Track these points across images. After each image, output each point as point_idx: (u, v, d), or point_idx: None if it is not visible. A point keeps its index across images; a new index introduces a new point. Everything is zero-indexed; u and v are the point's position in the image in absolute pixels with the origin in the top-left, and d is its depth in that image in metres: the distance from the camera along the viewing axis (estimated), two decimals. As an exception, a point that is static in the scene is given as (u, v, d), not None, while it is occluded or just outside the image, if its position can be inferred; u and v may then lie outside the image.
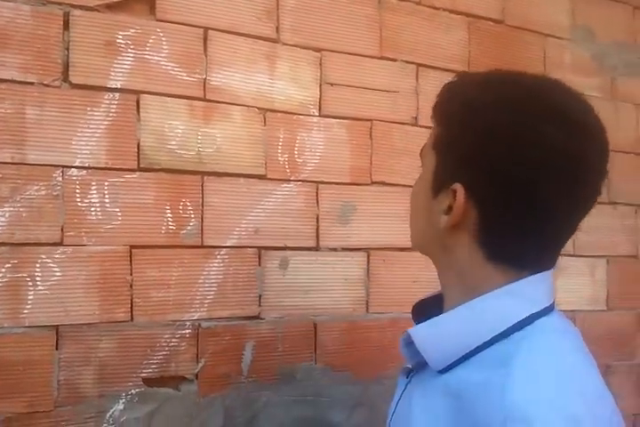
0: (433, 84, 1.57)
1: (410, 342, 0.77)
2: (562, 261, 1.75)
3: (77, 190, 1.17)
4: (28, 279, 1.13)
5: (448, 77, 1.54)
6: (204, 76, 1.30)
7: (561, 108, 0.70)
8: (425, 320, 0.77)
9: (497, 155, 0.69)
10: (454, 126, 0.74)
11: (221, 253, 1.30)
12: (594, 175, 0.72)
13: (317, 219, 1.41)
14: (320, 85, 1.43)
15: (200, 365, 1.26)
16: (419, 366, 0.79)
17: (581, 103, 0.72)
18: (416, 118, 1.55)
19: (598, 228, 1.82)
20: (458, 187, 0.71)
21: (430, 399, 0.74)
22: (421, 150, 0.82)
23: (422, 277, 1.50)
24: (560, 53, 1.80)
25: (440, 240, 0.76)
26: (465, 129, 0.72)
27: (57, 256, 1.15)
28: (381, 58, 1.51)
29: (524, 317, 0.71)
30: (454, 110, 0.75)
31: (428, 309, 0.84)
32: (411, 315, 0.89)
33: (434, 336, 0.75)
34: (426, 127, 1.55)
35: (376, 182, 1.49)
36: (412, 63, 1.55)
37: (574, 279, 1.77)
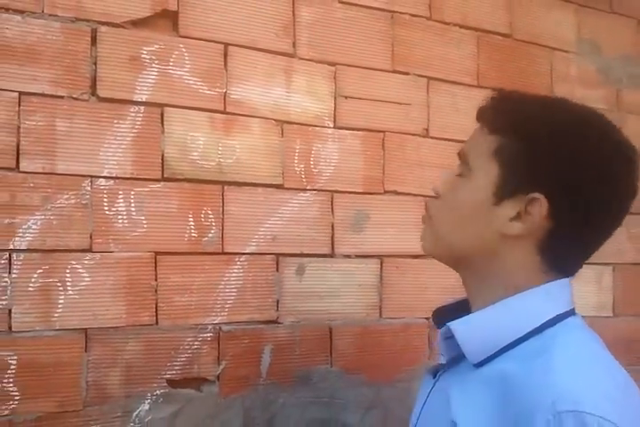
0: (444, 97, 1.62)
1: (448, 337, 0.81)
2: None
3: (105, 199, 1.23)
4: (59, 284, 1.18)
5: (458, 90, 1.61)
6: (224, 90, 1.35)
7: (618, 140, 0.81)
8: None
9: (582, 176, 0.77)
10: (532, 141, 0.78)
11: (241, 259, 1.35)
12: (635, 195, 0.83)
13: (332, 227, 1.46)
14: (335, 98, 1.49)
15: (221, 367, 1.31)
16: (452, 362, 0.83)
17: (624, 136, 0.82)
18: (427, 130, 1.60)
19: (605, 236, 1.86)
20: (539, 196, 0.76)
21: (471, 392, 0.78)
22: (463, 155, 0.85)
23: (433, 283, 1.55)
24: (566, 66, 1.85)
25: (492, 245, 0.81)
26: (551, 147, 0.77)
27: (86, 262, 1.20)
28: (394, 71, 1.56)
29: (554, 315, 0.78)
30: (530, 125, 0.79)
31: (449, 314, 0.87)
32: (432, 320, 0.94)
33: (473, 330, 0.80)
34: (437, 138, 1.61)
35: (388, 192, 1.54)
36: (424, 76, 1.60)
37: (582, 286, 1.81)
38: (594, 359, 0.74)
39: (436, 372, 0.88)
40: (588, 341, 0.78)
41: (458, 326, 0.80)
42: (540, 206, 0.77)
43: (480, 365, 0.78)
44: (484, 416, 0.74)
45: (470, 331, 0.80)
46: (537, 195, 0.76)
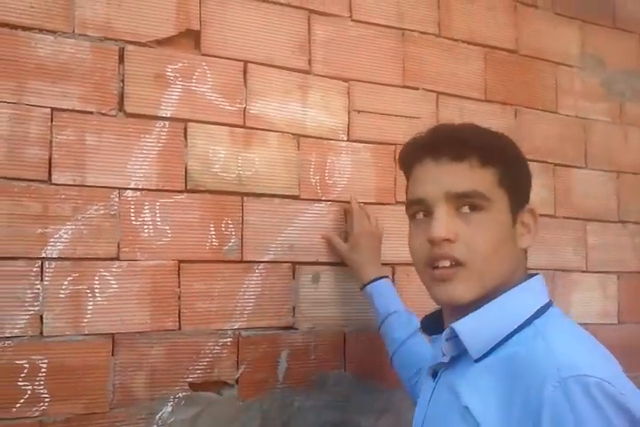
0: (452, 111, 1.68)
1: (450, 338, 0.89)
2: (575, 276, 1.85)
3: (132, 210, 1.28)
4: (88, 291, 1.24)
5: (466, 104, 1.67)
6: (243, 106, 1.42)
7: None
8: (434, 332, 0.99)
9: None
10: (517, 165, 0.95)
11: (259, 267, 1.40)
12: None
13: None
14: (348, 113, 1.55)
15: (240, 371, 1.36)
16: (453, 360, 0.91)
17: None
18: (437, 142, 1.65)
19: (609, 245, 1.92)
20: (533, 206, 0.94)
21: (477, 381, 0.85)
22: (472, 195, 0.89)
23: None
24: (571, 80, 1.91)
25: (517, 260, 0.93)
26: (524, 165, 0.96)
27: (114, 270, 1.26)
28: (404, 87, 1.63)
29: (538, 307, 0.88)
30: (509, 153, 0.94)
31: (435, 323, 1.00)
32: (421, 327, 1.06)
33: (474, 329, 0.88)
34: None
35: (400, 202, 1.59)
36: (433, 91, 1.66)
37: (586, 294, 1.86)
38: (582, 338, 0.85)
39: (435, 373, 0.96)
40: (572, 325, 0.88)
41: (461, 327, 0.88)
42: (534, 215, 0.94)
43: (480, 359, 0.87)
44: (491, 397, 0.81)
45: (472, 330, 0.87)
46: (531, 205, 0.94)
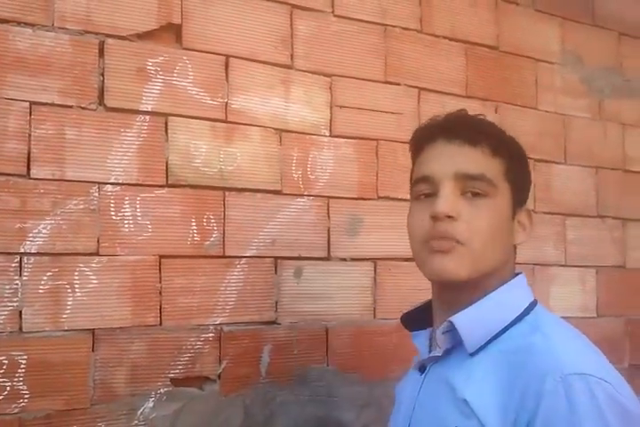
0: (434, 106, 1.68)
1: (447, 331, 0.89)
2: (554, 271, 1.88)
3: (112, 205, 1.28)
4: (67, 286, 1.23)
5: (448, 100, 1.68)
6: (225, 100, 1.41)
7: None
8: (415, 328, 1.00)
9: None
10: (520, 158, 0.97)
11: (241, 262, 1.40)
12: None
13: (328, 231, 1.52)
14: (330, 108, 1.55)
15: (222, 366, 1.36)
16: (445, 354, 0.91)
17: None
18: (418, 138, 1.66)
19: (588, 240, 1.94)
20: (530, 208, 0.97)
21: (473, 374, 0.86)
22: (480, 179, 0.89)
23: (424, 285, 1.60)
24: (551, 77, 1.93)
25: (508, 255, 0.93)
26: (525, 159, 0.98)
27: (93, 265, 1.25)
28: (386, 82, 1.63)
29: (527, 304, 0.91)
30: (512, 145, 0.96)
31: (416, 319, 1.01)
32: (402, 323, 1.04)
33: (471, 323, 0.88)
34: (427, 146, 1.66)
35: (382, 197, 1.60)
36: (415, 87, 1.67)
37: (566, 288, 1.88)
38: (574, 335, 0.87)
39: (422, 368, 0.95)
40: (560, 321, 0.91)
41: (459, 320, 0.88)
42: (530, 216, 0.96)
43: (475, 353, 0.87)
44: (489, 390, 0.82)
45: (469, 323, 0.88)
46: (527, 206, 0.95)
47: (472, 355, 0.88)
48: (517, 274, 0.96)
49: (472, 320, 0.88)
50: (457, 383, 0.86)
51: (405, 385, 1.02)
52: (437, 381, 0.91)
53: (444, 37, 1.73)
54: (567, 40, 1.97)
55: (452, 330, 0.89)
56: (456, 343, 0.90)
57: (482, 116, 0.97)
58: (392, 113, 1.63)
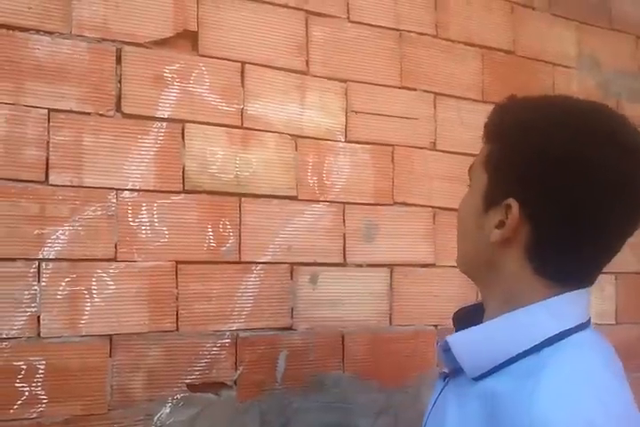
0: (450, 112, 1.68)
1: (447, 349, 0.80)
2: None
3: (129, 211, 1.28)
4: (86, 292, 1.23)
5: (464, 105, 1.67)
6: (241, 106, 1.41)
7: (611, 130, 0.73)
8: (464, 328, 0.81)
9: (550, 173, 0.72)
10: (507, 144, 0.78)
11: (257, 268, 1.40)
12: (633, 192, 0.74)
13: (344, 237, 1.51)
14: (346, 113, 1.55)
15: (238, 372, 1.36)
16: (455, 373, 0.82)
17: (630, 127, 0.76)
18: (434, 143, 1.66)
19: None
20: (512, 202, 0.74)
21: (464, 405, 0.77)
22: (470, 168, 0.85)
23: (442, 291, 1.60)
24: (567, 81, 1.91)
25: (487, 255, 0.80)
26: (519, 147, 0.76)
27: (111, 271, 1.26)
28: (402, 87, 1.63)
29: (555, 333, 0.74)
30: (508, 130, 0.78)
31: (468, 316, 0.87)
32: (452, 321, 0.91)
33: (470, 345, 0.79)
34: (443, 151, 1.66)
35: (397, 203, 1.59)
36: (431, 92, 1.66)
37: (584, 294, 1.86)
38: (586, 383, 0.70)
39: (445, 377, 0.87)
40: (585, 361, 0.73)
41: (455, 340, 0.80)
42: (509, 211, 0.75)
43: (478, 378, 0.77)
44: None
45: (467, 346, 0.79)
46: (510, 200, 0.74)
47: (475, 380, 0.77)
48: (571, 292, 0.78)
49: (472, 342, 0.79)
50: (449, 413, 0.80)
51: (433, 390, 0.94)
52: (445, 399, 0.85)
53: (460, 42, 1.72)
54: (584, 44, 1.96)
55: (449, 350, 0.80)
56: (458, 365, 0.79)
57: (522, 100, 0.82)
58: (408, 118, 1.62)
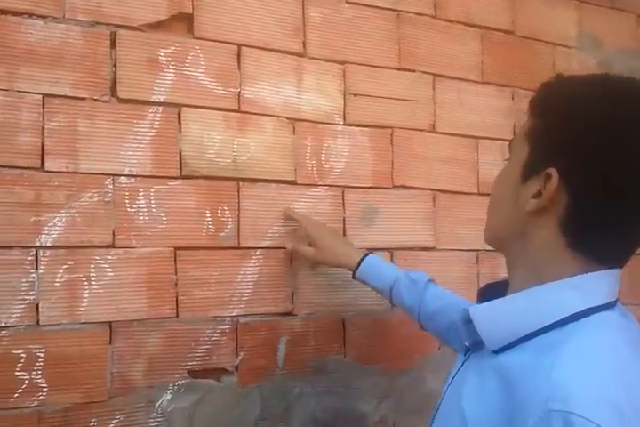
0: (449, 93, 1.66)
1: (468, 321, 0.81)
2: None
3: (126, 197, 1.27)
4: (84, 279, 1.22)
5: (463, 86, 1.65)
6: (238, 90, 1.39)
7: None
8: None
9: (595, 144, 0.73)
10: (553, 117, 0.78)
11: (256, 253, 1.39)
12: None
13: (344, 221, 1.50)
14: (344, 96, 1.53)
15: (239, 358, 1.36)
16: (475, 345, 0.83)
17: None
18: (434, 125, 1.64)
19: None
20: (552, 171, 0.74)
21: (484, 378, 0.77)
22: (510, 142, 0.86)
23: (442, 275, 1.59)
24: (568, 61, 1.89)
25: (520, 225, 0.80)
26: (565, 118, 0.76)
27: (109, 258, 1.25)
28: (400, 69, 1.60)
29: (581, 309, 0.73)
30: (553, 104, 0.80)
31: (493, 292, 0.86)
32: (477, 295, 0.91)
33: (492, 318, 0.79)
34: (443, 133, 1.65)
35: (397, 186, 1.58)
36: (430, 73, 1.64)
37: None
38: (607, 359, 0.69)
39: (467, 350, 0.87)
40: (608, 338, 0.72)
41: (477, 312, 0.81)
42: (552, 181, 0.75)
43: (499, 351, 0.77)
44: (489, 407, 0.74)
45: (489, 318, 0.79)
46: (551, 169, 0.75)
47: (496, 353, 0.77)
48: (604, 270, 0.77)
49: (495, 315, 0.79)
50: (466, 386, 0.80)
51: (454, 363, 0.93)
52: (466, 371, 0.85)
53: (459, 22, 1.70)
54: (585, 24, 1.93)
55: (470, 322, 0.81)
56: (479, 338, 0.80)
57: (575, 77, 0.82)
58: (407, 100, 1.60)
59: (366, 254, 1.35)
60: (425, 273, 1.32)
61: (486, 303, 0.81)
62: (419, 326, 1.31)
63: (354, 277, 1.36)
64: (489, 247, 0.91)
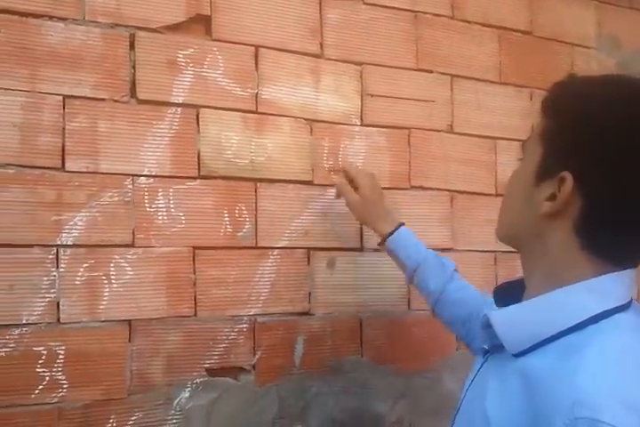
0: (467, 94, 1.66)
1: (487, 325, 0.81)
2: None
3: (146, 197, 1.28)
4: (104, 278, 1.24)
5: (481, 87, 1.65)
6: (255, 91, 1.41)
7: None
8: (506, 304, 0.82)
9: (610, 145, 0.72)
10: (566, 118, 0.77)
11: (274, 253, 1.40)
12: None
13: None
14: (361, 97, 1.53)
15: (256, 357, 1.36)
16: (495, 348, 0.83)
17: None
18: (451, 126, 1.64)
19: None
20: (567, 174, 0.74)
21: (505, 381, 0.77)
22: (523, 143, 0.86)
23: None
24: (587, 61, 1.88)
25: (535, 227, 0.80)
26: (579, 119, 0.75)
27: (129, 257, 1.26)
28: (418, 70, 1.61)
29: (599, 311, 0.73)
30: (566, 104, 0.78)
31: (510, 291, 0.87)
32: (493, 296, 0.91)
33: (511, 322, 0.79)
34: (460, 134, 1.65)
35: (414, 187, 1.58)
36: (447, 74, 1.64)
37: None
38: (629, 363, 0.69)
39: (485, 352, 0.88)
40: (630, 341, 0.72)
41: (496, 317, 0.80)
42: (566, 185, 0.74)
43: (519, 355, 0.77)
44: (510, 408, 0.74)
45: (508, 322, 0.79)
46: (565, 173, 0.74)
47: (516, 356, 0.77)
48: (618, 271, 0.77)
49: (514, 319, 0.79)
50: (490, 389, 0.80)
51: (473, 364, 0.93)
52: (485, 374, 0.85)
53: (477, 23, 1.70)
54: (603, 24, 1.92)
55: (490, 326, 0.80)
56: (498, 342, 0.79)
57: (572, 79, 0.82)
58: (424, 101, 1.60)
59: (401, 224, 1.35)
60: (452, 261, 1.32)
61: (504, 309, 0.81)
62: (430, 311, 1.32)
63: (381, 243, 1.35)
64: (507, 248, 0.90)
